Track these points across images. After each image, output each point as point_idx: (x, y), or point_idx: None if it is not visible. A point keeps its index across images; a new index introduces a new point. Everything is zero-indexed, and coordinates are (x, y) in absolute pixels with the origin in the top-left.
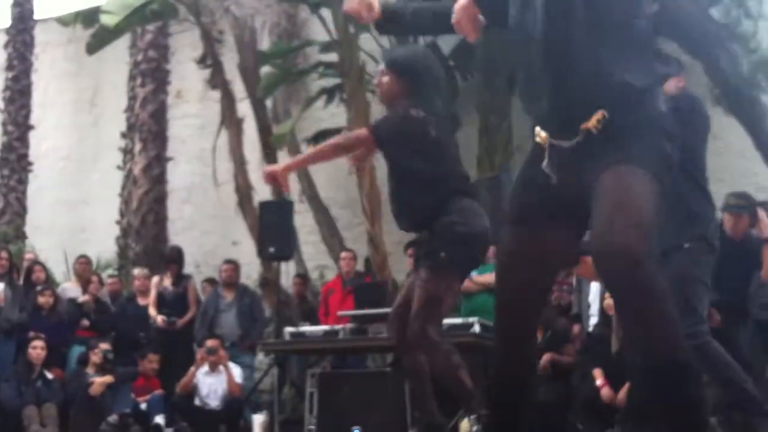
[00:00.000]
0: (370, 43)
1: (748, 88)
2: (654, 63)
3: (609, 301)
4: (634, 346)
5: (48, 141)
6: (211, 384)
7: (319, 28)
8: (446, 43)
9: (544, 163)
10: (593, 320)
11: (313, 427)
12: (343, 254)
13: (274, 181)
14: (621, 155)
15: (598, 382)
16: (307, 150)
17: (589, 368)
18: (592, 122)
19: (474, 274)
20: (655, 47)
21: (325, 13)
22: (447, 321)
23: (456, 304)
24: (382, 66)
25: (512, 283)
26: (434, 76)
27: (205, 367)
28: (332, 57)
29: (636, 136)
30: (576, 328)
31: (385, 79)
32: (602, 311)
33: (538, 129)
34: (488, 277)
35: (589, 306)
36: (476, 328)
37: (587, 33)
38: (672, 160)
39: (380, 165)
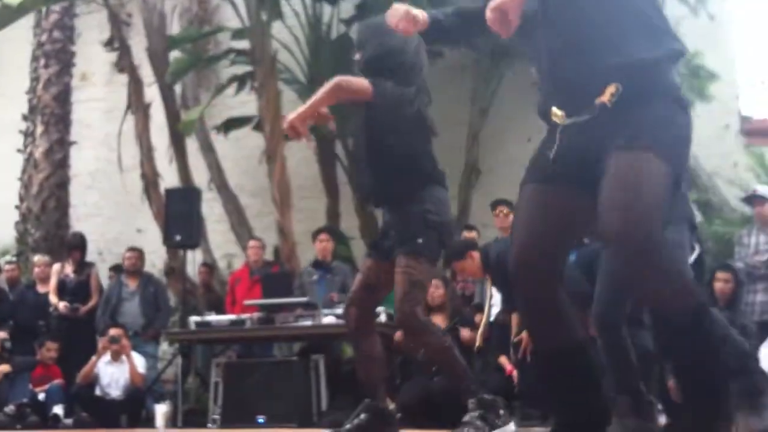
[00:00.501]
0: (282, 31)
1: None
2: (664, 37)
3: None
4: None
5: None
6: (112, 373)
7: (230, 15)
8: None
9: (553, 149)
10: (495, 309)
11: (217, 416)
12: (251, 243)
13: (296, 134)
14: (634, 132)
15: (507, 368)
16: (215, 136)
17: (492, 356)
18: (606, 96)
19: None
20: (665, 22)
21: None
22: None
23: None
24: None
25: (533, 222)
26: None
27: (107, 357)
28: (244, 44)
29: (649, 109)
30: (478, 317)
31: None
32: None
33: (554, 109)
34: None
35: (491, 296)
36: (382, 318)
37: (594, 10)
38: (687, 131)
39: (291, 154)
